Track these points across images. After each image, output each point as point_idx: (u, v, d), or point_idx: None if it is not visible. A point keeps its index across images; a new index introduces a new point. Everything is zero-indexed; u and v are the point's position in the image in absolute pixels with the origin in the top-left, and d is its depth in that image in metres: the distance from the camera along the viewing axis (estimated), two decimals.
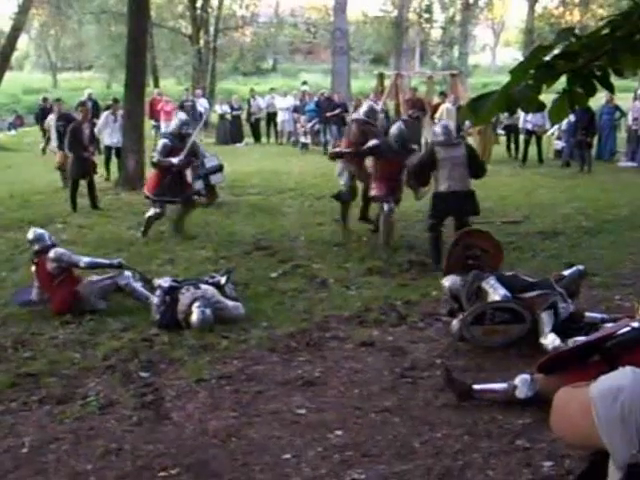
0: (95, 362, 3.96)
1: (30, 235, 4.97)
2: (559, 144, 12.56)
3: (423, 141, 11.65)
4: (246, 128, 17.16)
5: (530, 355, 3.75)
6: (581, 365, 2.86)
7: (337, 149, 7.60)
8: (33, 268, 4.90)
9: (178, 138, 6.85)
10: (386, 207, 6.32)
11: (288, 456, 2.94)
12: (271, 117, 17.06)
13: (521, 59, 2.04)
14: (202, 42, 21.70)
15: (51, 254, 4.77)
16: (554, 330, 3.88)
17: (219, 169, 8.74)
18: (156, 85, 21.77)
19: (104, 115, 11.29)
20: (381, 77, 14.44)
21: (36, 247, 4.88)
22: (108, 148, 10.90)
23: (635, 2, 1.92)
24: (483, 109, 1.82)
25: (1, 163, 13.59)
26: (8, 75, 18.96)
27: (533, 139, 12.13)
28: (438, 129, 5.96)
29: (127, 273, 4.91)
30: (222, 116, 16.63)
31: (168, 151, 6.74)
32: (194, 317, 4.39)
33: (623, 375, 1.12)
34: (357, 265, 5.87)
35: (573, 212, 7.92)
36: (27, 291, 4.98)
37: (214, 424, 3.22)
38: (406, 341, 4.22)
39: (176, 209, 7.05)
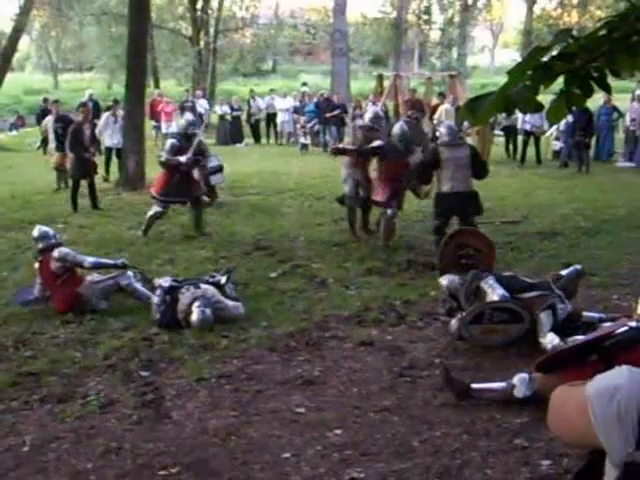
0: (96, 361, 3.98)
1: (35, 232, 4.93)
2: (557, 145, 12.58)
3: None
4: (246, 129, 17.19)
5: (528, 354, 3.77)
6: (579, 364, 2.87)
7: (340, 145, 7.60)
8: (36, 265, 4.88)
9: (185, 138, 6.91)
10: (389, 212, 6.34)
11: (287, 455, 2.95)
12: (271, 118, 17.08)
13: (519, 60, 2.06)
14: (202, 43, 21.74)
15: (55, 253, 4.74)
16: (553, 330, 3.90)
17: (219, 170, 8.75)
18: (156, 86, 21.79)
19: (104, 116, 11.31)
20: (380, 78, 14.45)
21: (40, 245, 4.84)
22: (108, 149, 10.92)
23: (632, 4, 1.94)
24: (481, 110, 1.83)
25: (2, 163, 13.61)
26: (9, 76, 19.00)
27: (531, 140, 12.16)
28: (443, 129, 5.96)
29: (129, 273, 4.92)
30: (222, 117, 16.65)
31: (176, 151, 6.79)
32: (194, 316, 4.41)
33: (619, 374, 1.12)
34: (356, 265, 5.89)
35: (571, 212, 7.94)
36: (28, 291, 4.98)
37: (214, 423, 3.23)
38: (405, 340, 4.23)
39: (189, 213, 7.05)
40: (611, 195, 8.97)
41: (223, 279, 4.83)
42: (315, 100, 15.97)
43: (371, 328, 4.45)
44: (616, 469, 1.10)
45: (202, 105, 16.43)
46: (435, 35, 28.91)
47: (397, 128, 6.55)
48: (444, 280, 4.44)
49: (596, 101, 11.73)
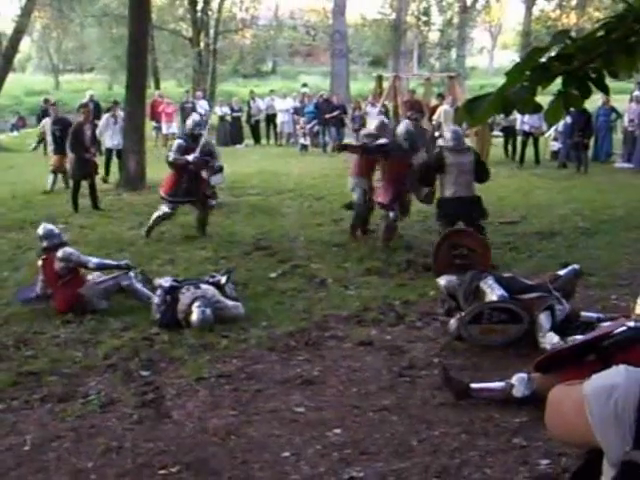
0: (96, 361, 3.99)
1: (40, 230, 4.90)
2: (556, 145, 12.60)
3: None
4: (246, 130, 17.21)
5: (527, 354, 3.77)
6: (578, 364, 2.88)
7: (345, 141, 7.57)
8: (40, 262, 4.86)
9: (191, 138, 6.94)
10: (392, 215, 6.34)
11: (287, 454, 2.96)
12: (271, 119, 17.11)
13: (518, 61, 2.07)
14: (202, 44, 21.78)
15: (59, 253, 4.72)
16: (552, 330, 3.91)
17: (219, 170, 8.76)
18: (157, 87, 21.84)
19: (104, 117, 11.32)
20: (379, 79, 14.49)
21: (44, 244, 4.82)
22: (109, 150, 10.93)
23: (630, 5, 1.95)
24: (479, 110, 1.85)
25: (3, 164, 13.62)
26: (10, 77, 19.02)
27: (530, 140, 12.18)
28: (449, 134, 5.92)
29: (130, 274, 4.93)
30: (222, 118, 16.67)
31: (183, 151, 6.82)
32: (194, 316, 4.42)
33: (617, 373, 1.12)
34: (356, 265, 5.90)
35: (570, 213, 7.95)
36: (30, 288, 4.97)
37: (214, 422, 3.24)
38: (404, 340, 4.24)
39: (196, 212, 7.06)
40: (609, 195, 8.98)
41: (223, 279, 4.84)
42: (315, 101, 15.99)
43: (370, 328, 4.46)
44: (613, 468, 1.09)
45: (202, 106, 16.44)
46: (434, 36, 28.92)
47: (402, 127, 6.56)
48: (442, 280, 4.45)
49: (595, 102, 11.75)
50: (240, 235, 7.10)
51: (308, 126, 15.56)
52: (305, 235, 7.04)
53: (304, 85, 18.88)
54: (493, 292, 4.13)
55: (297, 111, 16.31)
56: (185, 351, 4.09)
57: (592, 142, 11.97)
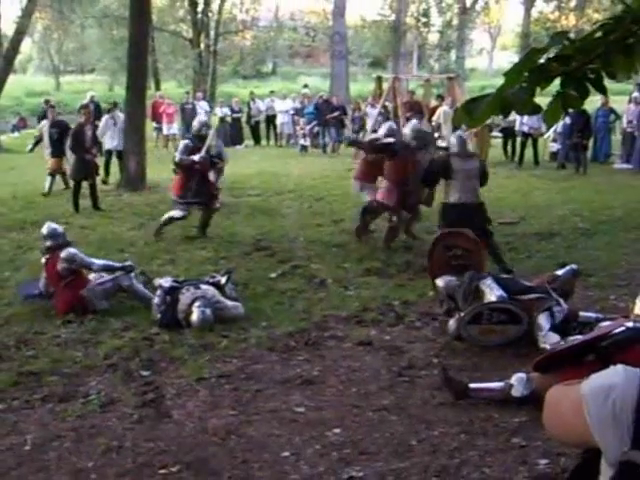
0: (96, 361, 3.99)
1: (44, 230, 4.89)
2: (555, 146, 12.61)
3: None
4: (246, 130, 17.22)
5: (526, 354, 3.79)
6: (576, 364, 2.88)
7: (354, 137, 7.53)
8: (43, 260, 4.85)
9: (198, 139, 6.96)
10: (395, 219, 6.35)
11: (287, 454, 2.97)
12: (271, 120, 17.12)
13: (517, 62, 2.08)
14: (203, 46, 21.82)
15: (63, 254, 4.69)
16: (551, 330, 3.92)
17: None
18: (157, 88, 21.85)
19: (104, 119, 11.30)
20: (379, 80, 14.50)
21: (48, 243, 4.80)
22: (108, 152, 10.92)
23: (628, 6, 1.96)
24: (477, 111, 1.86)
25: (4, 165, 13.63)
26: (11, 78, 19.01)
27: (529, 141, 12.20)
28: (453, 140, 5.89)
29: (131, 274, 4.94)
30: (222, 119, 16.67)
31: (189, 151, 6.84)
32: (194, 317, 4.43)
33: (615, 373, 1.12)
34: (355, 265, 5.91)
35: (568, 213, 7.97)
36: (33, 285, 4.95)
37: (214, 422, 3.24)
38: (403, 340, 4.25)
39: (200, 213, 7.06)
40: (608, 196, 8.99)
41: (223, 279, 4.85)
42: (314, 102, 16.01)
43: (370, 328, 4.47)
44: (611, 468, 1.09)
45: (202, 107, 16.45)
46: (434, 38, 28.96)
47: (411, 125, 6.57)
48: (440, 281, 4.46)
49: (593, 103, 11.75)
50: (240, 235, 7.11)
51: (308, 127, 15.57)
52: (305, 235, 7.05)
53: (305, 86, 18.90)
54: (492, 292, 4.14)
55: (297, 112, 16.32)
56: (185, 351, 4.10)
57: (591, 143, 11.99)
